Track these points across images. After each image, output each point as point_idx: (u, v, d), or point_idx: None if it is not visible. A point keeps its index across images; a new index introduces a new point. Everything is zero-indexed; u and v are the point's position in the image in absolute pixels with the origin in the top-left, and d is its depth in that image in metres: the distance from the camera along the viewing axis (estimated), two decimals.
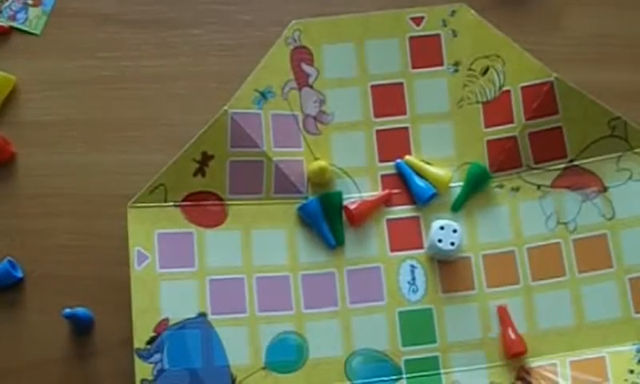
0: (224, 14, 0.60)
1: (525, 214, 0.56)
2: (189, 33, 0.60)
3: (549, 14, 0.60)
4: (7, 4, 0.60)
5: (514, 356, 0.53)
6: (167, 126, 0.58)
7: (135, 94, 0.59)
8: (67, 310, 0.53)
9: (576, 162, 0.56)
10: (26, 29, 0.60)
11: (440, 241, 0.54)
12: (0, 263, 0.55)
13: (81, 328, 0.54)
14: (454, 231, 0.54)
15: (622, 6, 0.60)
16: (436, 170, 0.56)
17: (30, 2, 0.60)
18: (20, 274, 0.55)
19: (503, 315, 0.54)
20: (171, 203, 0.54)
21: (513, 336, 0.53)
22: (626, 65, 0.59)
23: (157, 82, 0.59)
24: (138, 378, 0.51)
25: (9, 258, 0.55)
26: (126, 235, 0.54)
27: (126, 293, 0.53)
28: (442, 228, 0.54)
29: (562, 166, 0.56)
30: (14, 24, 0.60)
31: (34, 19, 0.59)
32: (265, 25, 0.60)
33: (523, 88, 0.56)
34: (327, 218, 0.56)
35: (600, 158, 0.55)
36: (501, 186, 0.57)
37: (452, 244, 0.54)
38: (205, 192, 0.55)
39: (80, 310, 0.53)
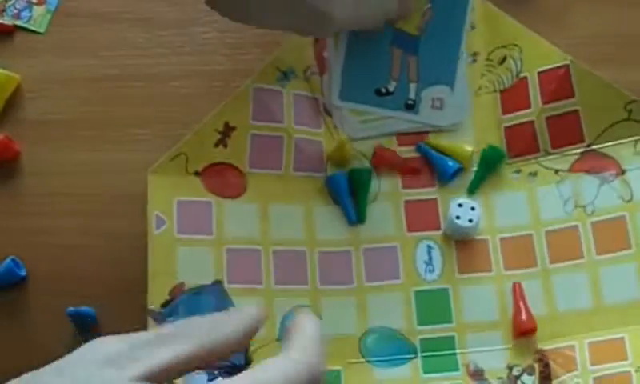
0: None
1: (542, 198, 0.56)
2: (193, 32, 0.61)
3: (554, 12, 0.61)
4: (11, 2, 0.61)
5: (524, 333, 0.53)
6: (172, 125, 0.58)
7: (140, 93, 0.59)
8: (71, 309, 0.52)
9: (593, 147, 0.56)
10: (30, 27, 0.60)
11: (458, 218, 0.54)
12: (3, 262, 0.55)
13: (84, 326, 0.54)
14: (472, 209, 0.54)
15: (628, 5, 0.61)
16: (458, 146, 0.57)
17: (35, 0, 0.61)
18: (23, 273, 0.55)
19: (517, 292, 0.54)
20: (191, 172, 0.55)
21: (524, 314, 0.53)
22: (632, 64, 0.59)
23: (162, 80, 0.59)
24: None
25: (12, 256, 0.55)
26: (131, 234, 0.54)
27: (131, 292, 0.53)
28: (460, 205, 0.55)
29: (580, 150, 0.56)
30: (18, 23, 0.60)
31: (38, 18, 0.60)
32: None
33: (540, 73, 0.57)
34: (353, 194, 0.56)
35: (617, 142, 0.56)
36: (518, 171, 0.57)
37: (470, 221, 0.54)
38: (225, 163, 0.55)
39: (84, 309, 0.53)
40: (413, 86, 0.58)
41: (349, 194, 0.56)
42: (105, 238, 0.55)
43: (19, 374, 0.51)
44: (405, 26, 0.58)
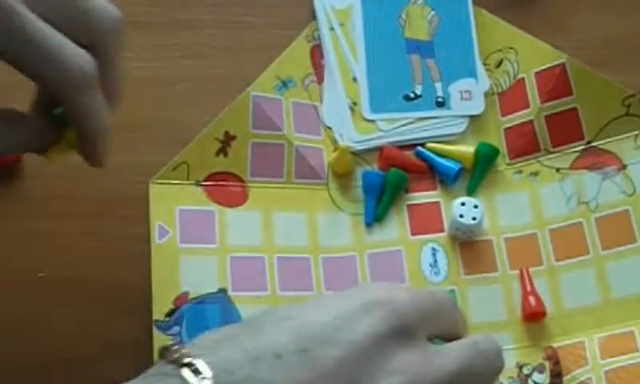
0: (227, 16, 0.62)
1: (545, 196, 0.56)
2: (193, 35, 0.61)
3: (556, 16, 0.62)
4: None
5: (534, 317, 0.53)
6: (171, 129, 0.58)
7: (139, 96, 0.58)
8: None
9: (594, 143, 0.56)
10: None
11: (461, 216, 0.54)
12: None
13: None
14: (475, 207, 0.54)
15: (630, 8, 0.62)
16: (458, 148, 0.57)
17: None
18: None
19: (524, 277, 0.54)
20: (193, 181, 0.55)
21: (532, 298, 0.53)
22: (634, 67, 0.60)
23: (160, 84, 0.59)
24: (155, 350, 0.50)
25: None
26: (130, 236, 0.54)
27: (133, 293, 0.53)
28: (463, 204, 0.55)
29: (580, 148, 0.56)
30: None
31: None
32: (268, 28, 0.61)
33: (537, 73, 0.58)
34: (381, 195, 0.56)
35: (617, 138, 0.56)
36: (519, 172, 0.57)
37: (474, 219, 0.54)
38: (226, 172, 0.56)
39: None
40: (438, 85, 0.59)
41: (377, 193, 0.56)
42: (107, 240, 0.55)
43: (19, 375, 0.51)
44: (416, 35, 0.60)
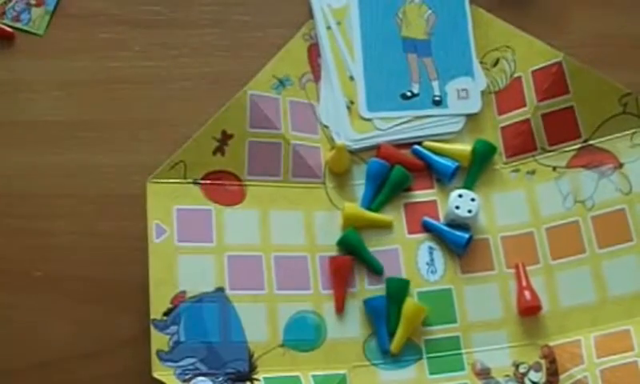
0: (226, 15, 0.62)
1: (542, 195, 0.56)
2: (191, 34, 0.61)
3: (551, 15, 0.62)
4: (11, 5, 0.61)
5: (529, 312, 0.53)
6: (170, 127, 0.58)
7: (138, 95, 0.59)
8: None
9: (590, 142, 0.56)
10: (29, 30, 0.60)
11: (458, 208, 0.54)
12: None
13: None
14: (472, 200, 0.55)
15: (626, 7, 0.62)
16: (454, 146, 0.57)
17: (33, 1, 0.61)
18: None
19: (519, 272, 0.54)
20: (190, 180, 0.55)
21: (528, 292, 0.53)
22: (630, 65, 0.60)
23: (159, 82, 0.60)
24: (153, 349, 0.50)
25: None
26: (128, 235, 0.54)
27: (130, 292, 0.53)
28: (460, 196, 0.55)
29: (577, 146, 0.57)
30: (18, 25, 0.60)
31: (37, 19, 0.60)
32: (266, 27, 0.61)
33: (533, 72, 0.58)
34: (384, 186, 0.56)
35: (614, 136, 0.56)
36: (516, 171, 0.57)
37: (469, 211, 0.54)
38: (224, 171, 0.56)
39: None
40: (435, 84, 0.59)
41: (380, 184, 0.56)
42: (103, 239, 0.55)
43: (20, 374, 0.52)
44: (413, 34, 0.60)
